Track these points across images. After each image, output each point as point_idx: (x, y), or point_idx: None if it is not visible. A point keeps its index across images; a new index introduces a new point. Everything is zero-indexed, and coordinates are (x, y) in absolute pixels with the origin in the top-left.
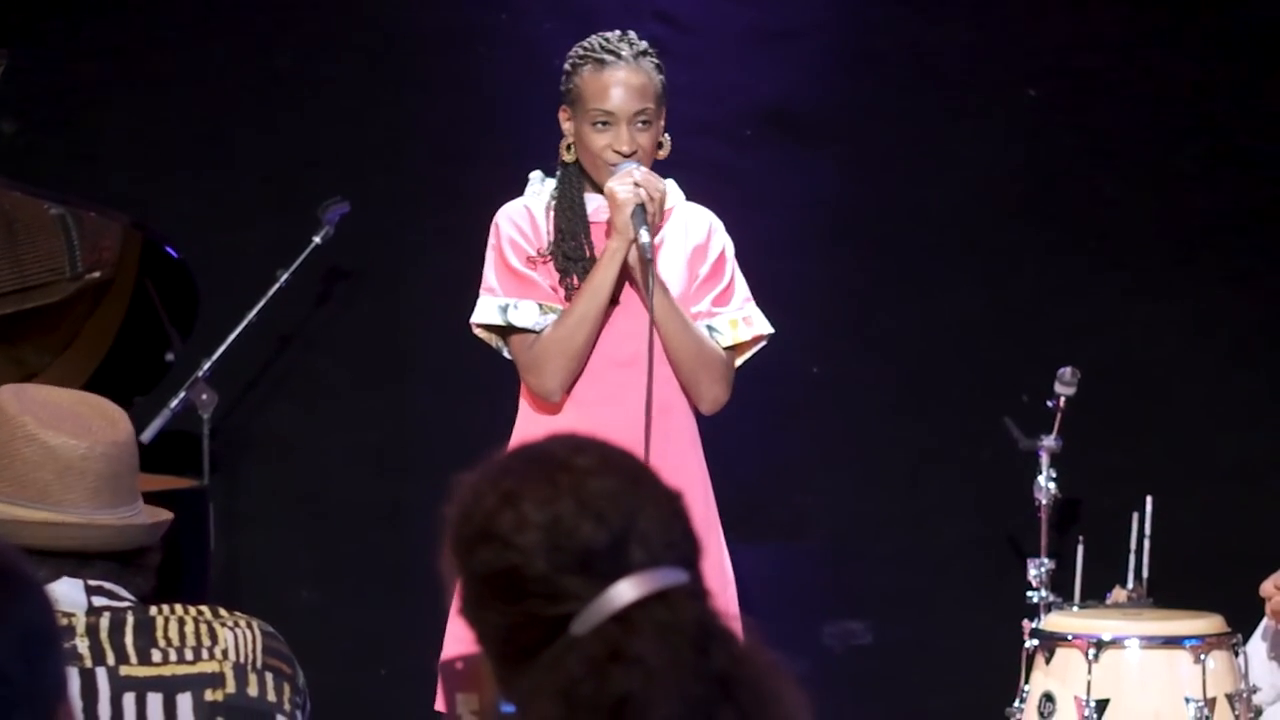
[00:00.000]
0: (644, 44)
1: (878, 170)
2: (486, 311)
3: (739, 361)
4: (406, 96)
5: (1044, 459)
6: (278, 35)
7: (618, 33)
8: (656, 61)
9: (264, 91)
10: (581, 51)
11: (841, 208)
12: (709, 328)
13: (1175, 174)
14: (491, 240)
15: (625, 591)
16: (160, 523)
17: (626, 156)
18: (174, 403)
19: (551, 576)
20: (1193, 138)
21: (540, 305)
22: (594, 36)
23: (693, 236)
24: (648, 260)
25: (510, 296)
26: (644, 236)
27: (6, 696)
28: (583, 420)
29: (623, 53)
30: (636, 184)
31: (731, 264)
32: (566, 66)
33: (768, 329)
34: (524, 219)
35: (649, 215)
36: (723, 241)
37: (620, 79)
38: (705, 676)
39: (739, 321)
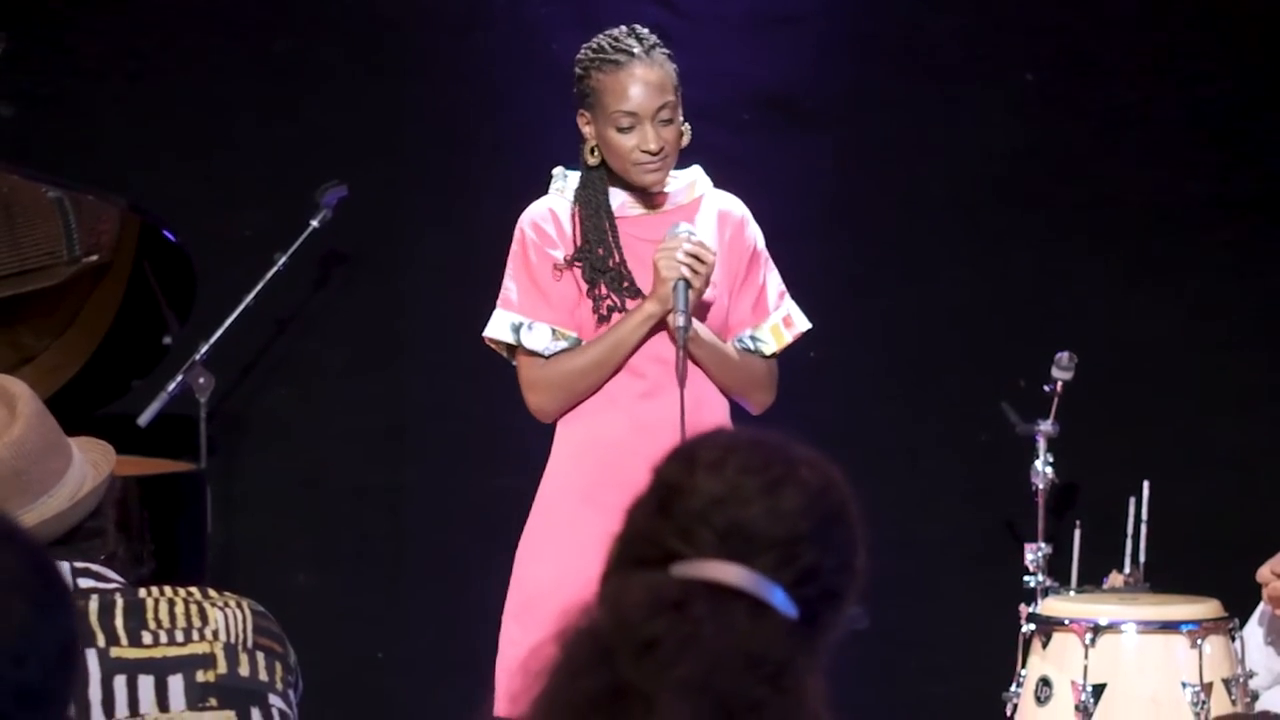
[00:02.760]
0: (653, 37)
1: (876, 155)
2: (499, 327)
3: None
4: (404, 80)
5: (1041, 444)
6: (276, 19)
7: (624, 29)
8: (668, 52)
9: (262, 75)
10: (591, 54)
11: (840, 192)
12: (753, 337)
13: (1174, 159)
14: (515, 247)
15: (731, 573)
16: (89, 493)
17: (654, 154)
18: (171, 386)
19: (697, 519)
20: (1192, 123)
21: (554, 330)
22: (601, 36)
23: (727, 228)
24: (680, 344)
25: (525, 315)
26: (680, 320)
27: (42, 694)
28: (620, 417)
29: (635, 50)
30: (687, 256)
31: (765, 258)
32: (578, 70)
33: (806, 324)
34: (548, 223)
35: (693, 290)
36: (754, 236)
37: (638, 77)
38: (739, 687)
39: (779, 327)
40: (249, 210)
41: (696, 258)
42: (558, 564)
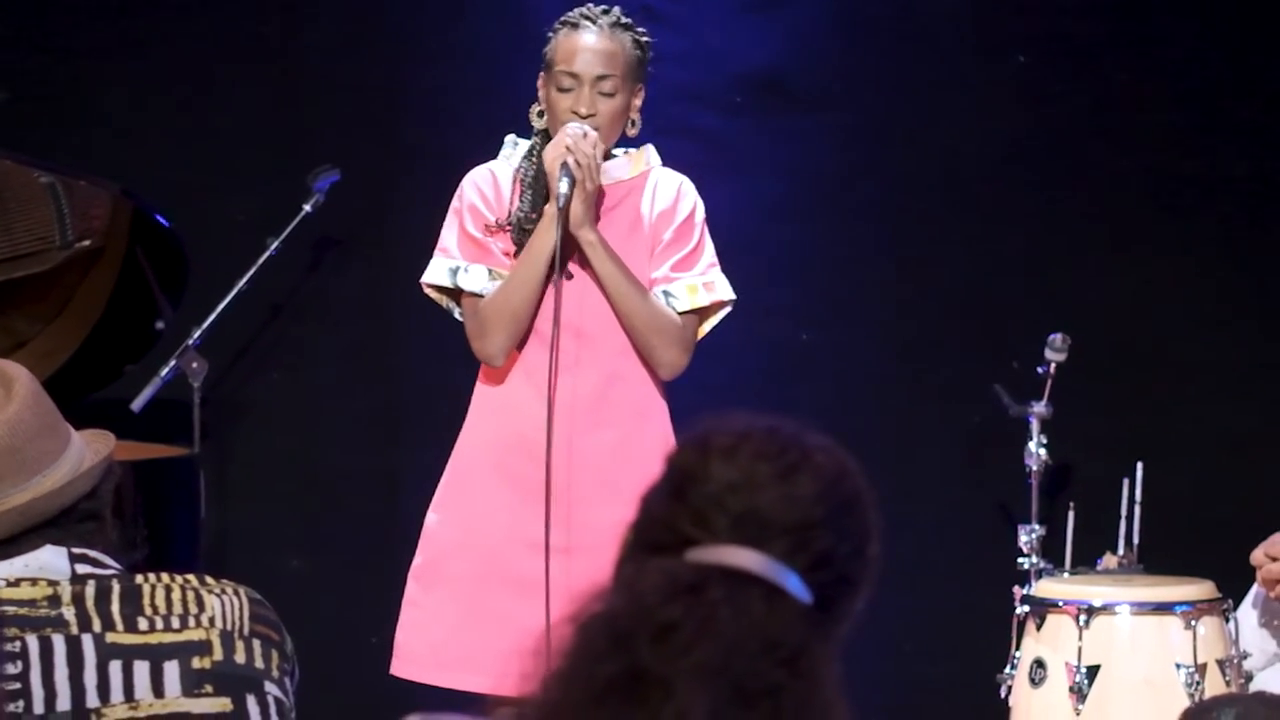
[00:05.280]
0: (628, 19)
1: (869, 136)
2: (437, 272)
3: (707, 327)
4: (397, 64)
5: (1034, 425)
6: (267, 2)
7: (605, 6)
8: (638, 38)
9: (254, 59)
10: (562, 18)
11: (832, 174)
12: (665, 293)
13: (1167, 140)
14: (454, 203)
15: (745, 558)
16: (83, 474)
17: (583, 118)
18: (164, 371)
19: (713, 504)
20: (1185, 104)
21: (490, 271)
22: (580, 7)
23: (660, 201)
24: (558, 208)
25: (462, 260)
26: (561, 187)
27: None
28: (533, 393)
29: (598, 20)
30: (567, 148)
31: (699, 228)
32: (548, 35)
33: (729, 295)
34: (488, 185)
35: (574, 173)
36: (690, 205)
37: (588, 43)
38: (756, 671)
39: (698, 287)
40: (241, 195)
41: (576, 149)
42: (464, 528)
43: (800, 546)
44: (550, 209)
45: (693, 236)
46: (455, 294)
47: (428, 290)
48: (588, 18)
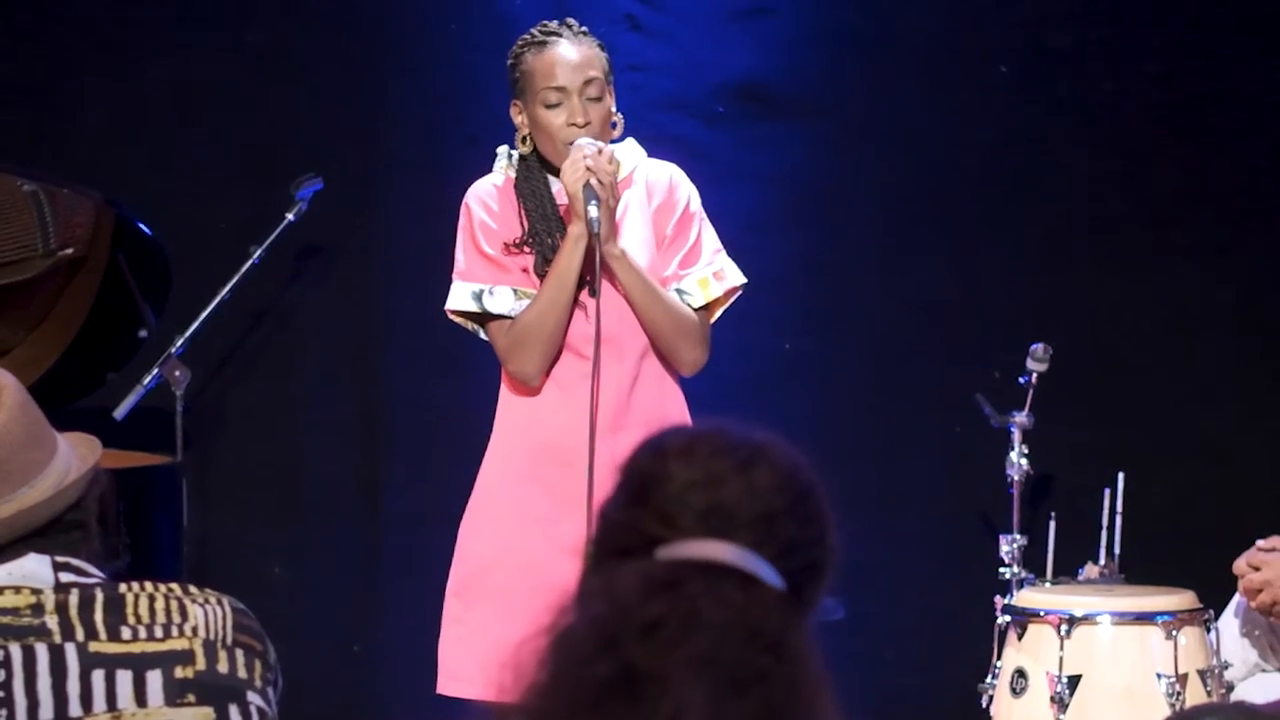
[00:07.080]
0: (584, 28)
1: (850, 146)
2: (461, 298)
3: (717, 313)
4: (380, 73)
5: (1016, 435)
6: (249, 10)
7: (556, 22)
8: (599, 42)
9: (237, 67)
10: (521, 42)
11: (813, 184)
12: (678, 291)
13: (1148, 150)
14: (462, 223)
15: (717, 549)
16: (69, 485)
17: (582, 128)
18: (147, 379)
19: (676, 502)
20: (1165, 114)
21: (515, 291)
22: (533, 28)
23: (655, 195)
24: (594, 234)
25: (484, 282)
26: (592, 211)
27: None
28: (564, 401)
29: (563, 32)
30: (588, 169)
31: (698, 217)
32: (510, 61)
33: (740, 279)
34: (495, 200)
35: (599, 193)
36: (686, 194)
37: (565, 54)
38: (744, 659)
39: (709, 279)
40: (224, 203)
41: (597, 169)
42: (499, 540)
43: (767, 536)
44: (575, 229)
45: (693, 227)
46: (481, 317)
47: (453, 316)
48: (552, 33)
